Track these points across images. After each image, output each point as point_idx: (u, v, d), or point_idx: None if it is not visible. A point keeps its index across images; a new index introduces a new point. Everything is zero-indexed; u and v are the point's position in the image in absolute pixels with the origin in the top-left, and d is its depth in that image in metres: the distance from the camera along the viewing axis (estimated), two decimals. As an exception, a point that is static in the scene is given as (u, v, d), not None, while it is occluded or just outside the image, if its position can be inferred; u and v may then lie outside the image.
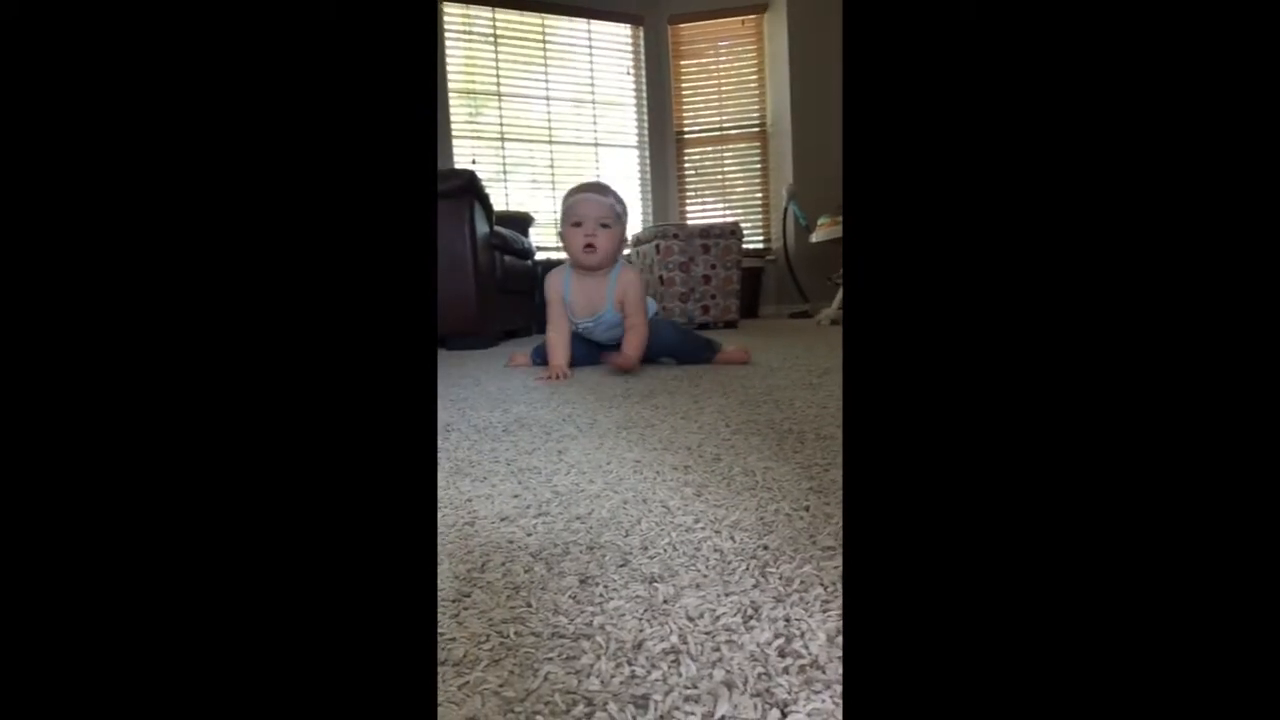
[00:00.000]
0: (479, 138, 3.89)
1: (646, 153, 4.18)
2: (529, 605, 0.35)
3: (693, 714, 0.25)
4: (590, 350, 1.63)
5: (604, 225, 1.46)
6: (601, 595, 0.36)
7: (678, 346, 1.57)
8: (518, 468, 0.64)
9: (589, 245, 1.45)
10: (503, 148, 3.94)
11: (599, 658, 0.29)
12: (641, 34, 4.09)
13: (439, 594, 0.37)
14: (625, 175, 4.21)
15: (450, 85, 3.74)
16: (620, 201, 1.51)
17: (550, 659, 0.30)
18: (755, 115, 4.20)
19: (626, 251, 2.10)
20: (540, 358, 1.65)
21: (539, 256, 3.39)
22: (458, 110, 3.80)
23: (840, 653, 0.29)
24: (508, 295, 2.70)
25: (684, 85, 4.20)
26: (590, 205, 1.45)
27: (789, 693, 0.26)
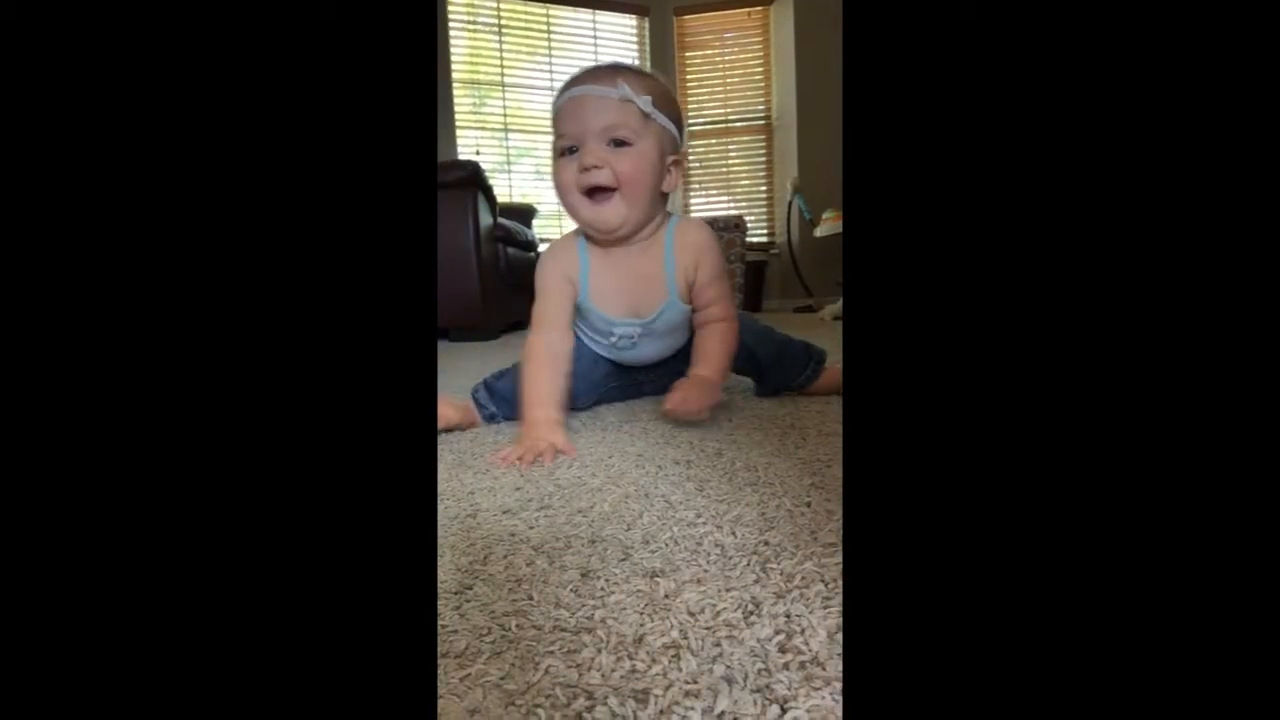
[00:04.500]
0: (483, 128, 3.87)
1: (651, 145, 4.16)
2: (530, 598, 0.35)
3: (692, 709, 0.26)
4: (620, 379, 0.92)
5: (618, 142, 0.71)
6: (603, 589, 0.36)
7: (767, 359, 0.88)
8: (520, 460, 0.65)
9: (595, 190, 0.73)
10: (506, 138, 3.93)
11: (600, 652, 0.30)
12: (647, 25, 4.06)
13: (441, 586, 0.37)
14: (629, 167, 4.19)
15: (454, 75, 3.72)
16: (651, 84, 0.74)
17: (551, 652, 0.30)
18: (760, 108, 4.17)
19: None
20: (500, 406, 0.83)
21: (542, 248, 3.38)
22: (461, 101, 3.78)
23: (840, 649, 0.29)
24: (511, 288, 2.70)
25: (689, 77, 4.18)
26: (587, 106, 0.71)
27: (789, 689, 0.26)
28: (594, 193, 0.73)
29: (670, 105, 0.77)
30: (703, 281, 0.81)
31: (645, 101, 0.73)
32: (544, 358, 0.77)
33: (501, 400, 0.83)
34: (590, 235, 0.81)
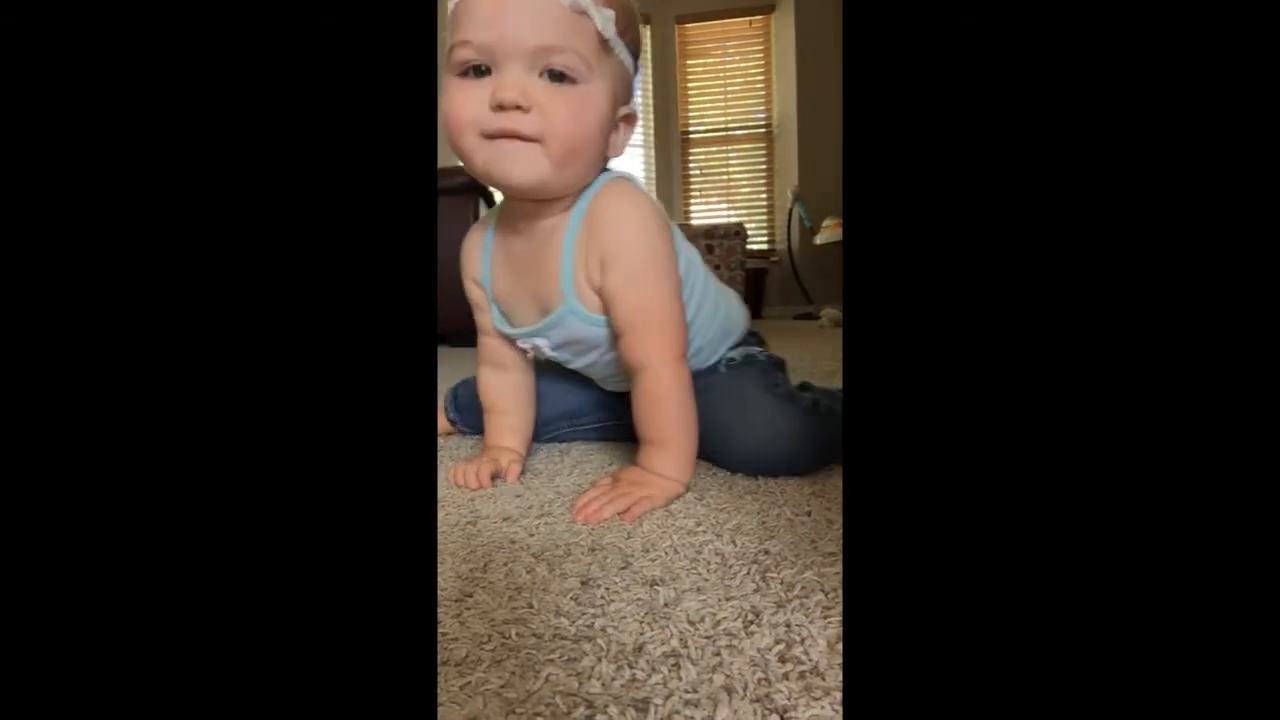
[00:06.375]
0: (485, 135, 3.89)
1: (651, 152, 4.17)
2: (531, 606, 0.35)
3: (692, 718, 0.26)
4: (600, 406, 0.72)
5: (558, 75, 0.46)
6: (603, 597, 0.36)
7: (784, 457, 0.56)
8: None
9: (503, 107, 0.45)
10: (508, 145, 3.95)
11: (600, 660, 0.30)
12: (648, 33, 4.09)
13: (442, 593, 0.37)
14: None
15: (457, 82, 3.74)
16: None
17: (551, 661, 0.30)
18: (761, 116, 4.19)
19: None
20: (463, 414, 0.78)
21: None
22: (464, 107, 3.80)
23: (840, 659, 0.29)
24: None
25: (690, 85, 4.20)
26: (514, 4, 0.45)
27: (789, 699, 0.26)
28: (503, 109, 0.46)
29: (633, 31, 0.52)
30: (611, 290, 0.53)
31: (606, 18, 0.47)
32: (498, 406, 0.64)
33: (465, 409, 0.78)
34: (505, 206, 0.58)
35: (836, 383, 0.82)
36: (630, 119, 0.54)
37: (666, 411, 0.53)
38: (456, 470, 0.59)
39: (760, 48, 4.15)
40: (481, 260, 0.61)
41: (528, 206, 0.55)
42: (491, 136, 0.47)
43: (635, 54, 0.52)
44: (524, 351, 0.62)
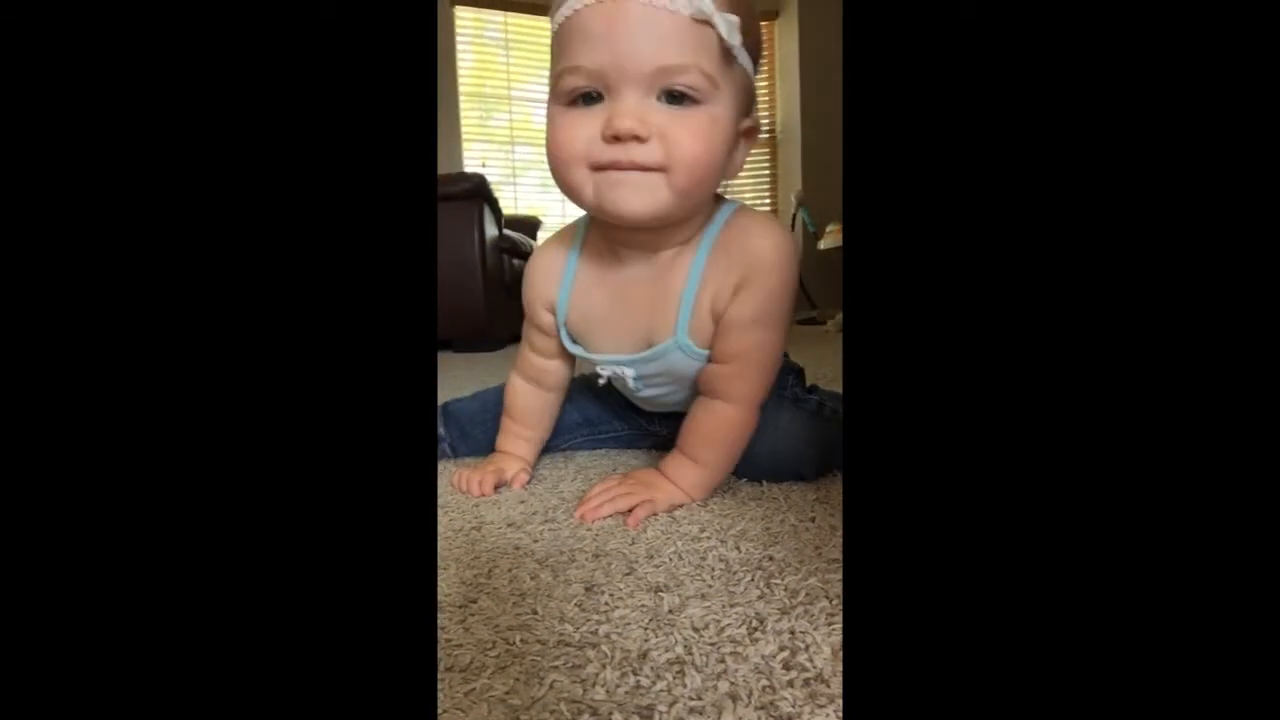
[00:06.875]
0: (489, 141, 3.90)
1: (656, 158, 4.18)
2: (535, 612, 0.35)
3: (697, 726, 0.26)
4: (618, 416, 0.71)
5: (677, 96, 0.42)
6: (607, 604, 0.36)
7: (788, 460, 0.56)
8: (524, 473, 0.65)
9: (619, 138, 0.42)
10: (513, 151, 3.96)
11: (604, 667, 0.30)
12: (652, 39, 4.10)
13: (446, 600, 0.37)
14: (634, 180, 4.21)
15: (461, 89, 3.76)
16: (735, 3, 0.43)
17: (556, 667, 0.30)
18: (765, 121, 4.20)
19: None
20: (453, 430, 0.71)
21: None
22: (468, 114, 3.82)
23: (845, 666, 0.29)
24: (516, 299, 2.70)
25: (694, 91, 4.21)
26: (629, 22, 0.41)
27: (793, 706, 0.26)
28: (618, 141, 0.42)
29: (754, 32, 0.46)
30: (735, 316, 0.50)
31: (730, 24, 0.42)
32: (521, 417, 0.63)
33: (464, 432, 0.70)
34: (596, 231, 0.54)
35: (840, 388, 0.82)
36: (751, 132, 0.50)
37: (722, 443, 0.53)
38: (460, 477, 0.59)
39: (764, 53, 4.16)
40: (561, 284, 0.56)
41: (641, 236, 0.51)
42: (604, 169, 0.44)
43: (756, 57, 0.47)
44: (600, 377, 0.58)
